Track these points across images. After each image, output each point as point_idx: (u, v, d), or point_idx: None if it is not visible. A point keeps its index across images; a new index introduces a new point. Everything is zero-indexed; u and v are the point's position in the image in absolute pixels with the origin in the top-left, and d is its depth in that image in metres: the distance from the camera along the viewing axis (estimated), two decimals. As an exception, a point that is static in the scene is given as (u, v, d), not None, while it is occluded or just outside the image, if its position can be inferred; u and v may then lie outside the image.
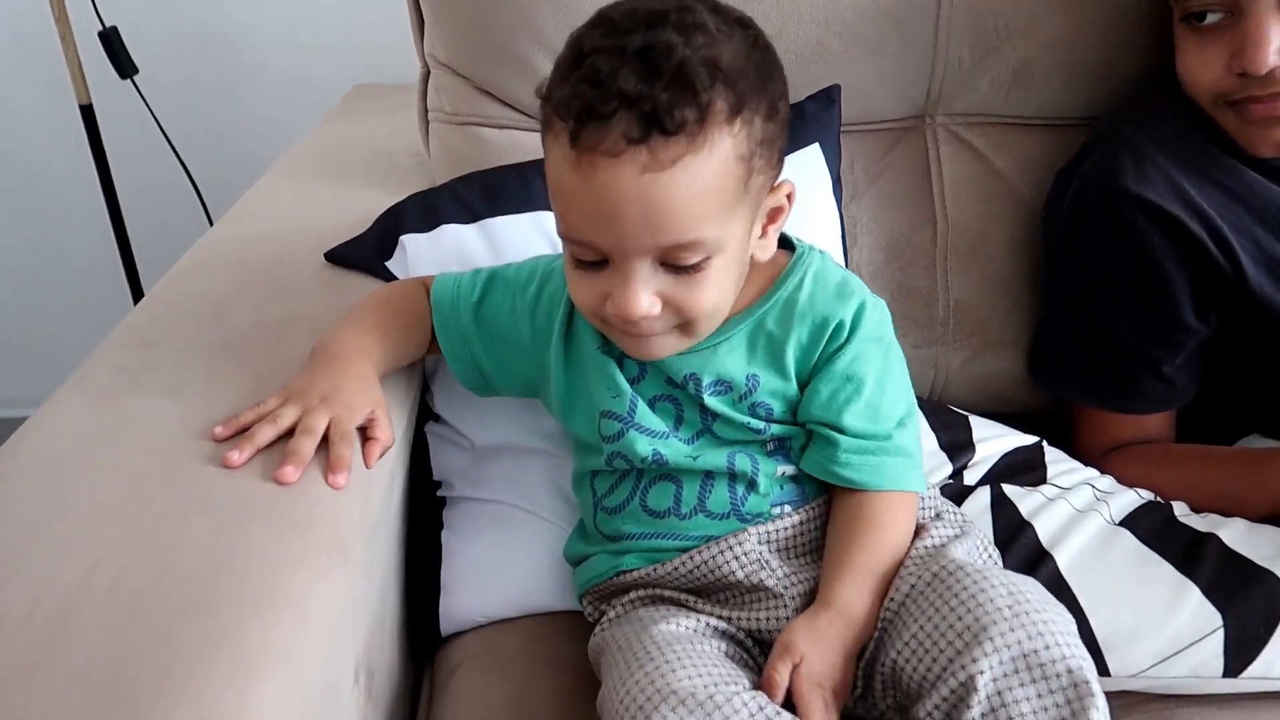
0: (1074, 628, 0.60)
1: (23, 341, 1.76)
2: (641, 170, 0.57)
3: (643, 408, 0.71)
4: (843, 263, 0.97)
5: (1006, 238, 1.01)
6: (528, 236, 0.88)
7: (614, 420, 0.72)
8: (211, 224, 1.03)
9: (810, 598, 0.68)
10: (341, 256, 0.89)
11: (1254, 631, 0.71)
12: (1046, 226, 0.97)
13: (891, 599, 0.66)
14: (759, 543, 0.70)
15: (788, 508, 0.71)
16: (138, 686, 0.48)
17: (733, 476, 0.71)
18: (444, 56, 0.99)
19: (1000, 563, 0.75)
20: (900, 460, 0.70)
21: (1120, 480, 0.87)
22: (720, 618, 0.69)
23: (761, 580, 0.68)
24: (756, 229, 0.66)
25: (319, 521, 0.61)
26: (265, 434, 0.64)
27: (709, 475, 0.71)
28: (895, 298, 1.00)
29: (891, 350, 0.72)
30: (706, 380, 0.70)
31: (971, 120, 1.03)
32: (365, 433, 0.69)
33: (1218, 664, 0.71)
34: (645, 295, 0.61)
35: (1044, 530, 0.80)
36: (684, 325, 0.65)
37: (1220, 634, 0.71)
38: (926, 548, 0.68)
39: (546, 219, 0.89)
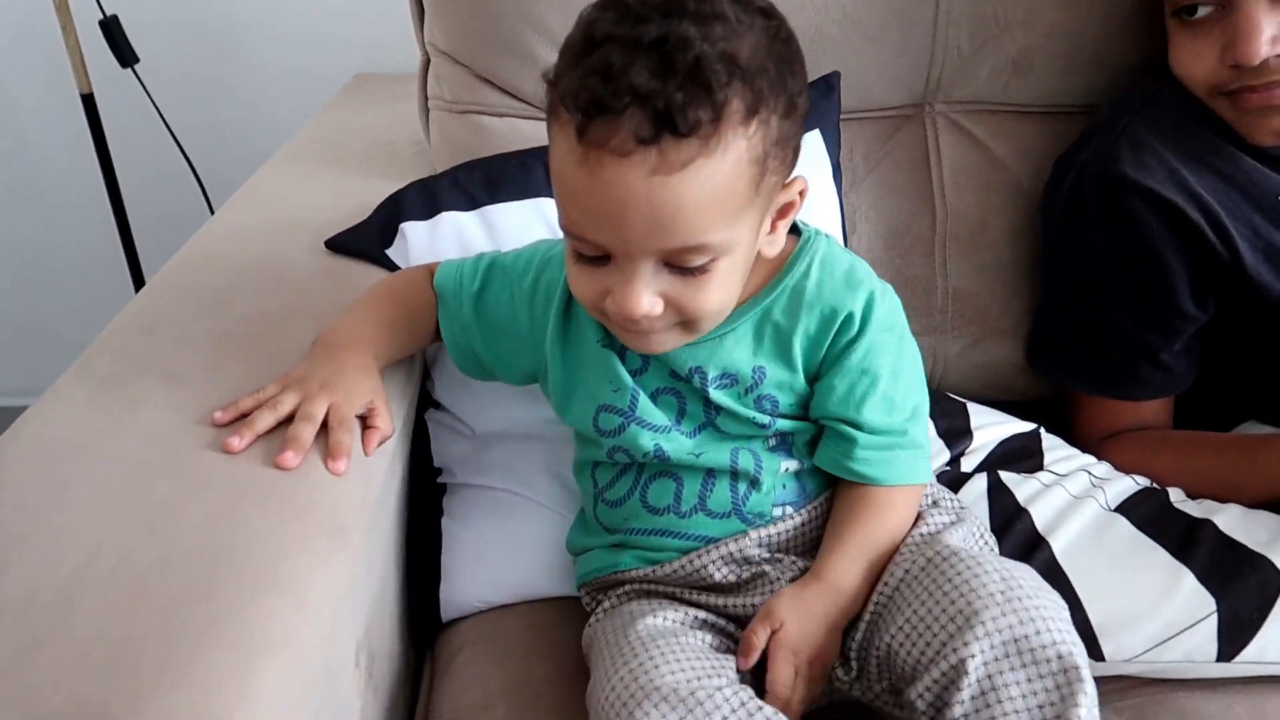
0: (1066, 614, 0.61)
1: (24, 331, 1.77)
2: (651, 172, 0.54)
3: (644, 401, 0.70)
4: (843, 250, 0.97)
5: (1005, 226, 1.01)
6: (528, 224, 0.88)
7: (615, 414, 0.71)
8: (213, 212, 1.03)
9: None
10: (342, 244, 0.89)
11: (1248, 616, 0.72)
12: (1045, 214, 0.97)
13: (886, 584, 0.66)
14: (758, 546, 0.70)
15: (789, 509, 0.71)
16: (139, 669, 0.48)
17: (735, 475, 0.70)
18: (444, 45, 0.99)
19: (996, 549, 0.76)
20: (913, 453, 0.70)
21: (1117, 467, 0.87)
22: (712, 609, 0.70)
23: (763, 569, 0.69)
24: (766, 225, 0.63)
25: (319, 506, 0.61)
26: (265, 420, 0.65)
27: (710, 473, 0.70)
28: (894, 286, 0.98)
29: (904, 338, 0.71)
30: (712, 374, 0.68)
31: (971, 108, 1.03)
32: (365, 422, 0.69)
33: (1211, 649, 0.71)
34: (647, 296, 0.59)
35: (1040, 516, 0.80)
36: (686, 323, 0.63)
37: (1214, 619, 0.72)
38: (922, 534, 0.69)
39: (547, 206, 0.90)
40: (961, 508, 0.75)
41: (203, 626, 0.51)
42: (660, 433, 0.70)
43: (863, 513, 0.69)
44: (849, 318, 0.67)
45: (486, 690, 0.73)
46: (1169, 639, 0.72)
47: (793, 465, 0.71)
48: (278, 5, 1.52)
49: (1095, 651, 0.72)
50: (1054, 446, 0.90)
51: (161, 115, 1.46)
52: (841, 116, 0.99)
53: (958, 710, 0.58)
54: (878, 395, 0.68)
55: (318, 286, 0.84)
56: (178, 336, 0.76)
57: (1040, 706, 0.57)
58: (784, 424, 0.70)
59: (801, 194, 0.65)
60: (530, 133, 0.98)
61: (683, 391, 0.70)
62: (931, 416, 0.90)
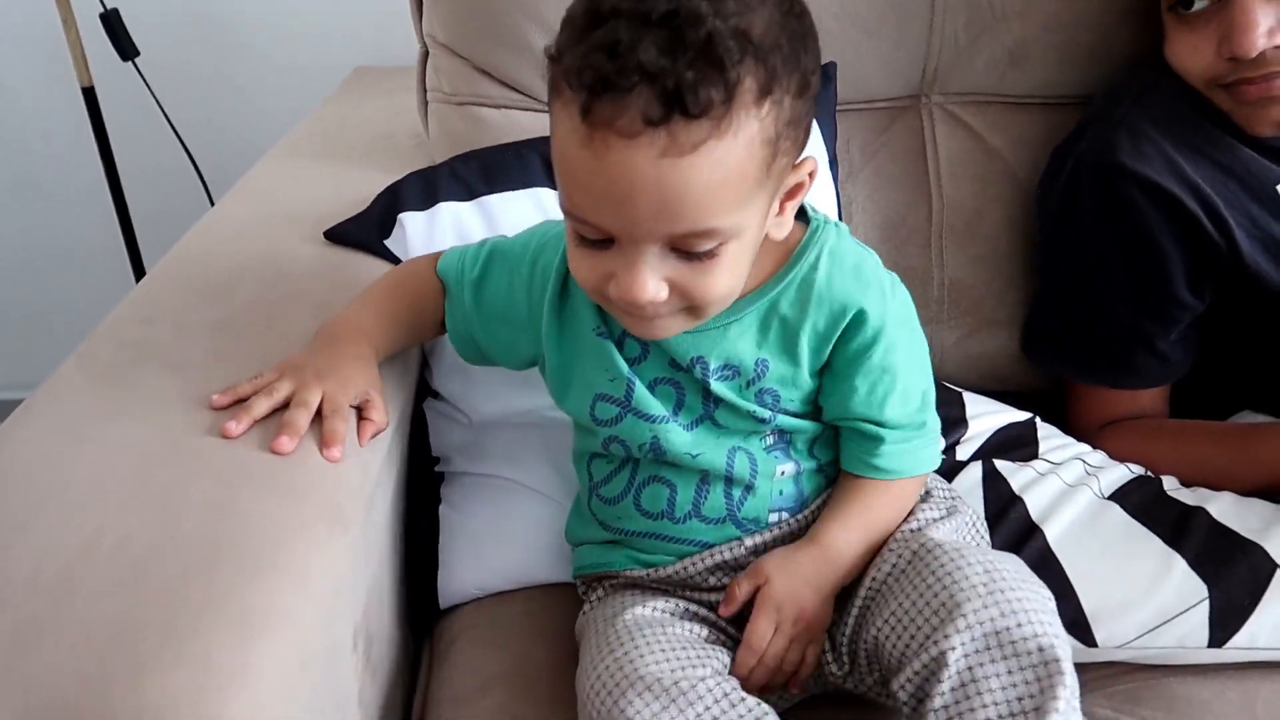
0: (1051, 605, 0.61)
1: (25, 324, 1.77)
2: (660, 155, 0.52)
3: (641, 391, 0.68)
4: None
5: (1001, 216, 1.01)
6: (525, 214, 0.89)
7: (611, 404, 0.70)
8: (213, 205, 1.03)
9: None
10: (341, 235, 0.89)
11: (1239, 603, 0.72)
12: (1042, 204, 0.97)
13: (874, 579, 0.67)
14: (753, 554, 0.70)
15: (785, 514, 0.71)
16: (139, 647, 0.49)
17: (729, 481, 0.69)
18: (443, 37, 0.99)
19: (988, 540, 0.76)
20: (929, 441, 0.71)
21: (1113, 455, 0.88)
22: (704, 604, 0.70)
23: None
24: (774, 207, 0.61)
25: (318, 491, 0.62)
26: (261, 406, 0.65)
27: (704, 479, 0.69)
28: (891, 277, 1.01)
29: (915, 329, 0.70)
30: (714, 364, 0.67)
31: (967, 99, 1.03)
32: (360, 413, 0.69)
33: (1203, 635, 0.72)
34: (652, 281, 0.57)
35: (1034, 505, 0.80)
36: (692, 309, 0.61)
37: (1206, 605, 0.72)
38: (910, 529, 0.69)
39: (545, 196, 0.90)
40: (955, 498, 0.76)
41: (202, 606, 0.51)
42: (657, 424, 0.69)
43: (870, 491, 0.69)
44: (860, 315, 0.65)
45: (483, 675, 0.74)
46: (1161, 625, 0.73)
47: (789, 469, 0.70)
48: (279, -1, 1.52)
49: (1088, 638, 0.73)
50: (1049, 435, 0.90)
51: (162, 109, 1.46)
52: (838, 108, 1.00)
53: (938, 701, 0.58)
54: (898, 392, 0.68)
55: (316, 277, 0.84)
56: (177, 326, 0.77)
57: (1020, 699, 0.57)
58: (784, 420, 0.68)
59: (811, 175, 0.62)
60: (528, 124, 0.98)
61: (682, 382, 0.69)
62: (929, 406, 0.91)
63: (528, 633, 0.78)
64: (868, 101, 1.03)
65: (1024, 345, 1.01)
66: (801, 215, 0.68)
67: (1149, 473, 0.86)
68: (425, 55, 1.03)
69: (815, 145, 0.96)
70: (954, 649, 0.58)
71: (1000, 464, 0.85)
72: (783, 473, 0.70)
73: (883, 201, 1.03)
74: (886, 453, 0.68)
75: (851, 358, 0.67)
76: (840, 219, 0.98)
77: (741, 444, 0.69)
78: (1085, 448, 0.89)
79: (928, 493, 0.74)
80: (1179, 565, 0.74)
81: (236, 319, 0.78)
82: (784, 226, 0.63)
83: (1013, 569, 0.62)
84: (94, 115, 1.41)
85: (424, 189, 0.90)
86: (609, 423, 0.70)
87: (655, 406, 0.69)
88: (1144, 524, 0.78)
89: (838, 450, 0.72)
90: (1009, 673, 0.58)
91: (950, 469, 0.85)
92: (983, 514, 0.80)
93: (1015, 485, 0.83)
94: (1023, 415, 0.92)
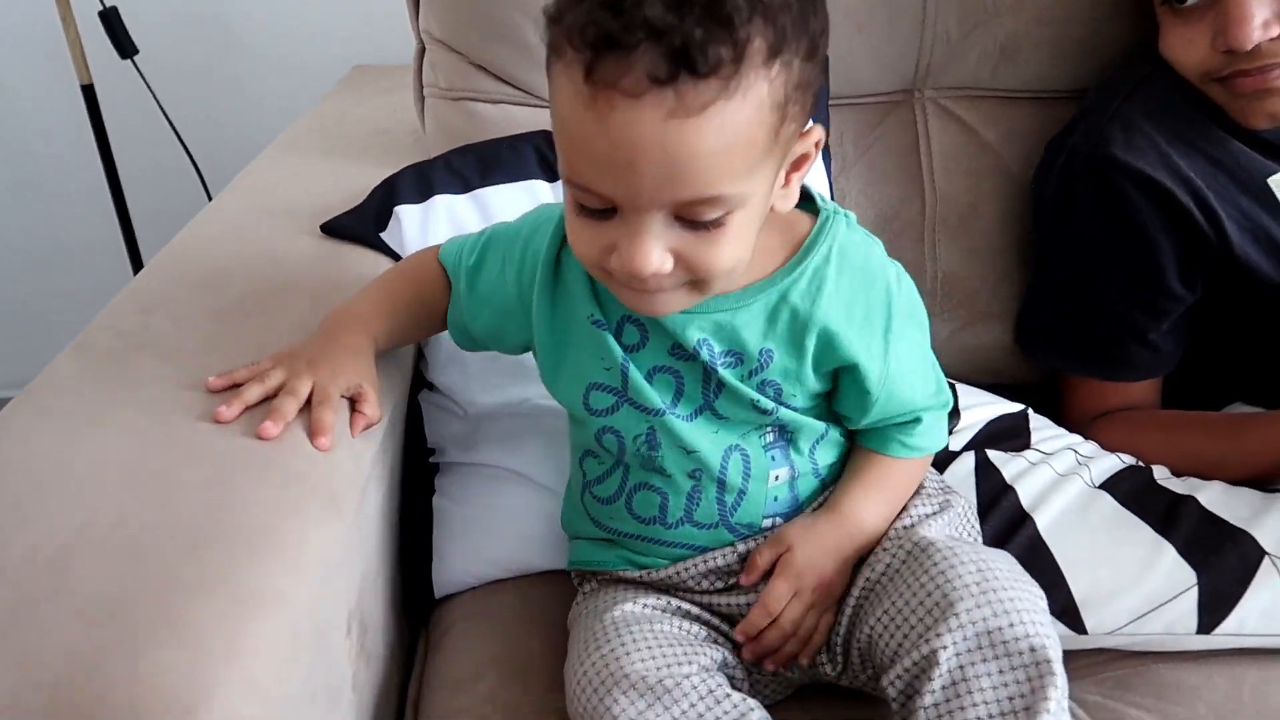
0: (1044, 604, 0.61)
1: (24, 321, 1.77)
2: (666, 116, 0.49)
3: (639, 380, 0.66)
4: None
5: (995, 210, 1.02)
6: (520, 207, 0.88)
7: (607, 393, 0.68)
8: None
9: None
10: (337, 228, 0.90)
11: (1227, 590, 0.73)
12: (1035, 197, 0.97)
13: (867, 578, 0.67)
14: (743, 560, 0.70)
15: (779, 519, 0.70)
16: (134, 625, 0.49)
17: (721, 485, 0.68)
18: (439, 32, 1.00)
19: (980, 535, 0.77)
20: (944, 414, 0.72)
21: (1106, 446, 0.88)
22: (693, 602, 0.70)
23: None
24: (780, 178, 0.58)
25: (311, 476, 0.62)
26: (253, 392, 0.66)
27: (695, 489, 0.68)
28: (884, 270, 1.01)
29: (922, 320, 0.70)
30: (719, 348, 0.65)
31: (960, 94, 1.04)
32: (352, 405, 0.69)
33: (1191, 621, 0.72)
34: (656, 251, 0.54)
35: (1025, 494, 0.81)
36: (696, 282, 0.58)
37: (1194, 592, 0.73)
38: (903, 526, 0.70)
39: (540, 189, 0.91)
40: (948, 491, 0.76)
41: (195, 585, 0.52)
42: (654, 416, 0.67)
43: (893, 462, 0.70)
44: (869, 314, 0.65)
45: (477, 661, 0.74)
46: (1150, 612, 0.73)
47: (784, 474, 0.69)
48: (278, -4, 1.53)
49: (1078, 625, 0.74)
50: (1041, 426, 0.90)
51: (161, 106, 1.47)
52: (831, 102, 1.01)
53: (928, 699, 0.59)
54: (918, 378, 0.69)
55: (312, 269, 0.85)
56: (175, 316, 0.77)
57: (1010, 698, 0.58)
58: (786, 414, 0.67)
59: (817, 145, 0.60)
60: (524, 119, 0.99)
61: (682, 371, 0.66)
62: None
63: (522, 619, 0.78)
64: (861, 96, 1.04)
65: (1017, 338, 1.01)
66: (809, 204, 0.67)
67: (1140, 462, 0.86)
68: (421, 51, 1.03)
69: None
70: (946, 647, 0.58)
71: (993, 454, 0.85)
72: (777, 478, 0.69)
73: (876, 196, 1.03)
74: (920, 432, 0.70)
75: (867, 357, 0.66)
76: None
77: (740, 441, 0.68)
78: (1077, 438, 0.89)
79: (920, 486, 0.74)
80: (1168, 553, 0.75)
81: (233, 309, 0.78)
82: (789, 199, 0.61)
83: (1006, 568, 0.62)
84: (93, 113, 1.42)
85: (419, 182, 0.91)
86: (604, 412, 0.68)
87: (653, 396, 0.66)
88: (1134, 512, 0.79)
89: (838, 456, 0.72)
90: (1000, 672, 0.58)
91: (943, 459, 0.85)
92: (975, 503, 0.80)
93: (1007, 475, 0.83)
94: (1015, 406, 0.92)
